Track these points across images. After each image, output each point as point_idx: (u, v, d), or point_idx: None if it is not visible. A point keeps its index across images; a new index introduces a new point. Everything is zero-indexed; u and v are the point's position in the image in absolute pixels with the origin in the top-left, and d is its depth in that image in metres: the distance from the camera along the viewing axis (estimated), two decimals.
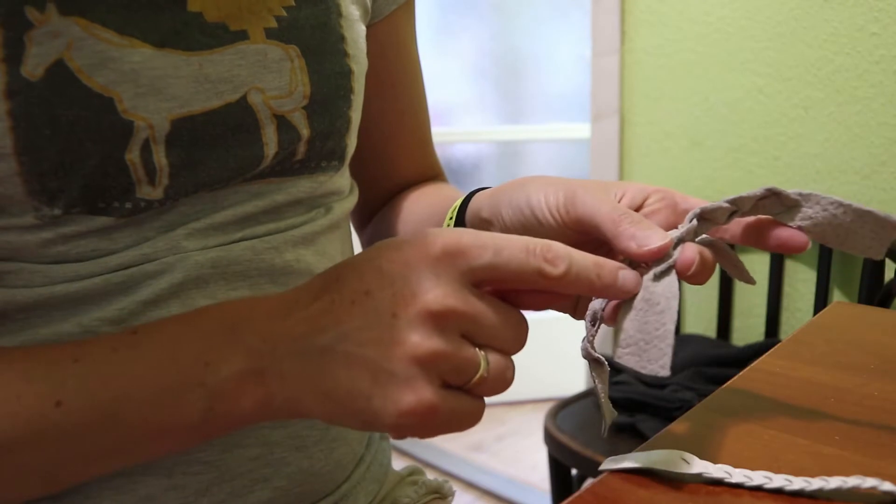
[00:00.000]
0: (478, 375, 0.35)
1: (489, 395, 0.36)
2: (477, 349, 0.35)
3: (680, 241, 0.40)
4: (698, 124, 1.51)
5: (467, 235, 0.35)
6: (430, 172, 0.71)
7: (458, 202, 0.55)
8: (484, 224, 0.51)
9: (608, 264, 0.37)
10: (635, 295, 0.38)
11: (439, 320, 0.34)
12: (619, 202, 0.45)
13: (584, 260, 0.36)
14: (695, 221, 0.41)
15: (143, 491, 0.46)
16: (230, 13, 0.47)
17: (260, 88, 0.48)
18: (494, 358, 0.36)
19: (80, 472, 0.40)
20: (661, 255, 0.39)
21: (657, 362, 0.37)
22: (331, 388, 0.35)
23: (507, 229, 0.48)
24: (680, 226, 0.41)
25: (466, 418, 0.36)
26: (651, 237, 0.40)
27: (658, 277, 0.39)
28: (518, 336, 0.37)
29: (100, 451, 0.39)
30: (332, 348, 0.35)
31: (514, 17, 2.27)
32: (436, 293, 0.34)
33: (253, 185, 0.50)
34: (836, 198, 0.40)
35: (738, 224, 0.44)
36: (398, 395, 0.34)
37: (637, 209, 0.45)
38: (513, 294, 0.37)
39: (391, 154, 0.67)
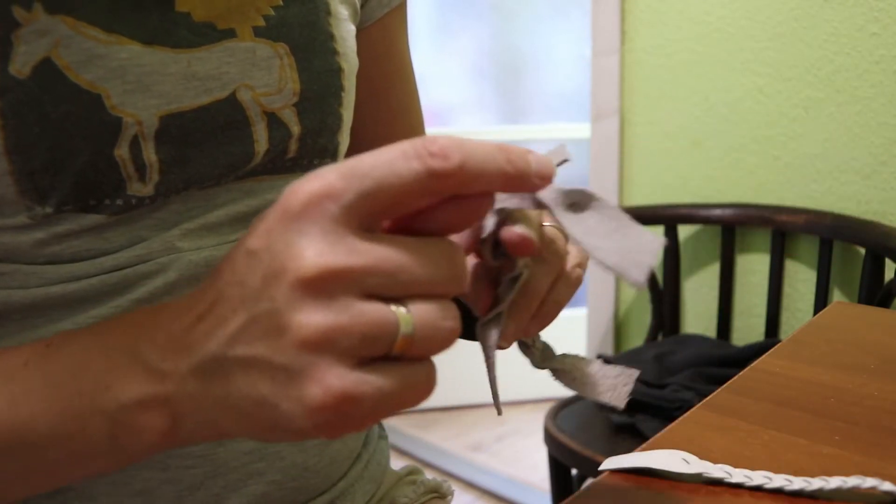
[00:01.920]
0: (399, 337, 0.28)
1: (428, 354, 0.29)
2: (390, 305, 0.28)
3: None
4: (698, 124, 1.51)
5: (328, 172, 0.28)
6: None
7: None
8: None
9: (514, 148, 0.30)
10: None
11: (320, 287, 0.27)
12: None
13: (484, 147, 0.29)
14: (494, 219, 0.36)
15: (138, 485, 0.46)
16: (219, 13, 0.48)
17: (249, 86, 0.48)
18: (419, 308, 0.28)
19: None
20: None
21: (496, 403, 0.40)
22: (237, 401, 0.29)
23: None
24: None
25: (409, 392, 0.29)
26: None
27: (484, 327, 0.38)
28: (446, 270, 0.29)
29: (14, 474, 0.36)
30: (224, 355, 0.29)
31: (513, 17, 2.27)
32: (306, 256, 0.27)
33: (245, 183, 0.50)
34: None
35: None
36: (301, 392, 0.27)
37: None
38: (422, 220, 0.30)
39: None
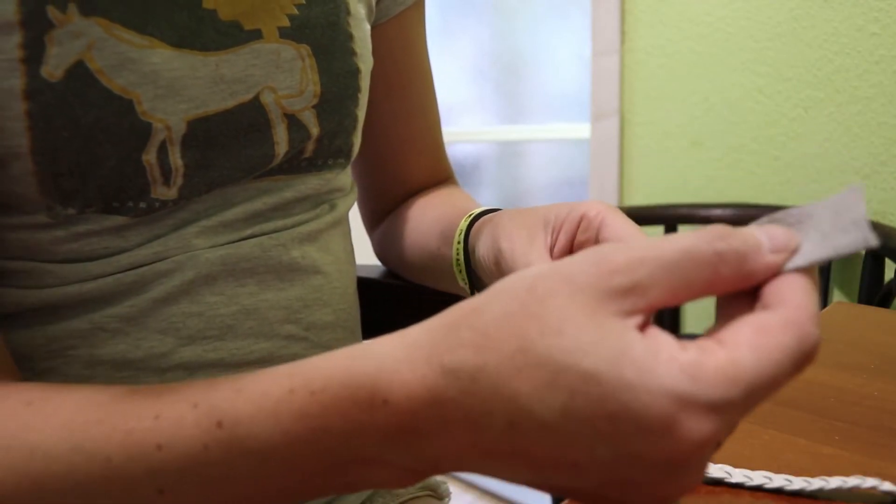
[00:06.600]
0: None
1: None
2: None
3: None
4: (698, 124, 1.51)
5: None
6: (442, 175, 0.71)
7: (461, 232, 0.55)
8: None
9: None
10: None
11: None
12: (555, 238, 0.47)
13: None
14: None
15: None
16: (244, 11, 0.48)
17: (272, 88, 0.49)
18: None
19: None
20: None
21: None
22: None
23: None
24: None
25: None
26: None
27: None
28: None
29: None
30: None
31: (513, 17, 2.27)
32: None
33: (262, 182, 0.50)
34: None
35: None
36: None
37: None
38: None
39: (402, 156, 0.68)
